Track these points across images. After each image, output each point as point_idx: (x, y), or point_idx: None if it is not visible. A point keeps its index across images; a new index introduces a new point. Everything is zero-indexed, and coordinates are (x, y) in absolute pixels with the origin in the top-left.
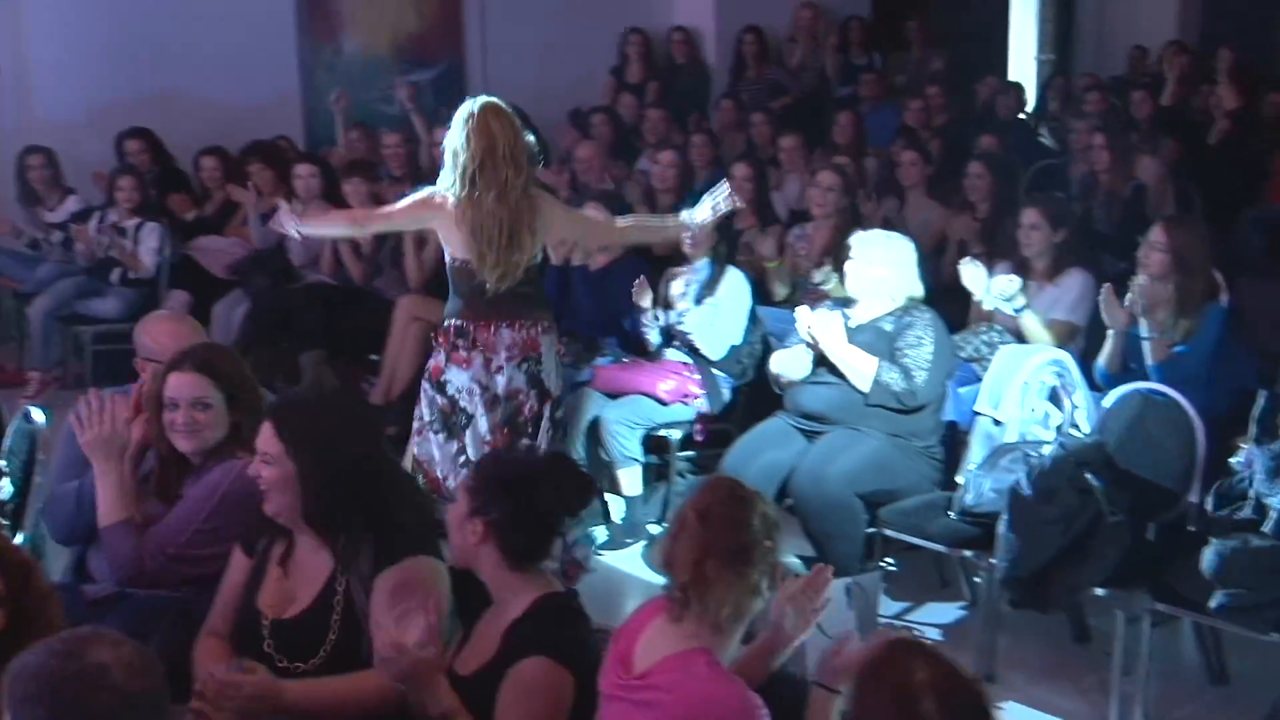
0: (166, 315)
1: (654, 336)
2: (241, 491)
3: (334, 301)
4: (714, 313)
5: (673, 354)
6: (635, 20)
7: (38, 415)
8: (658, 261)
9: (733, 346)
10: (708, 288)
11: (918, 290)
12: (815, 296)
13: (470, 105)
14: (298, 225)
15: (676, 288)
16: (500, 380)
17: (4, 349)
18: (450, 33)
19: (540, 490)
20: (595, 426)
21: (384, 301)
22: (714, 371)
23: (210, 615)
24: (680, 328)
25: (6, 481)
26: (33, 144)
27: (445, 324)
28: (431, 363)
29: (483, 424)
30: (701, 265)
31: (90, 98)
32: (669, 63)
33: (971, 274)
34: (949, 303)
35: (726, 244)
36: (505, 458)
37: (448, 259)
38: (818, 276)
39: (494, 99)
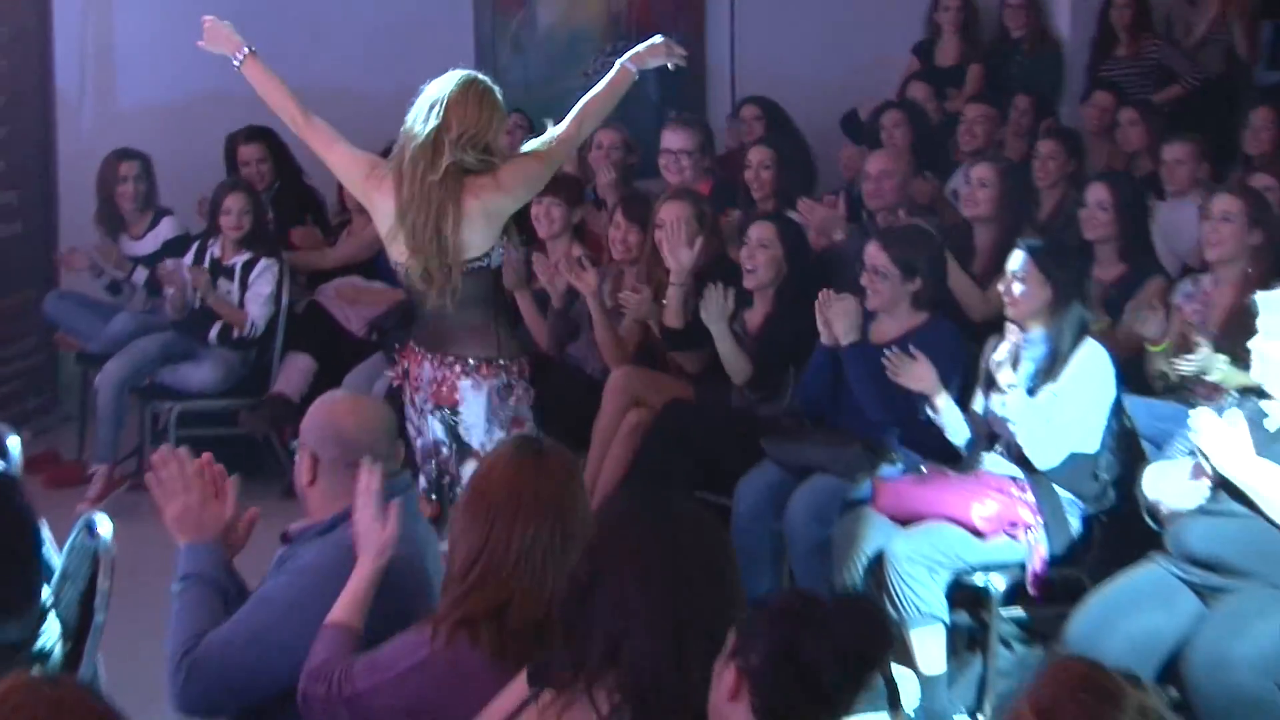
0: (352, 400)
1: (962, 434)
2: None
3: None
4: (1054, 403)
5: (993, 462)
6: None
7: (103, 526)
8: (977, 329)
9: (1082, 455)
10: (1047, 366)
11: None
12: (1211, 389)
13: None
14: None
15: (999, 356)
16: (427, 427)
17: (60, 432)
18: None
19: (810, 634)
20: (877, 567)
21: (581, 377)
22: (1056, 491)
23: None
24: (1002, 420)
25: (52, 620)
26: (125, 147)
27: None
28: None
29: (421, 483)
30: (1037, 333)
31: (192, 86)
32: (1000, 37)
33: None
34: None
35: (1078, 297)
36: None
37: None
38: (1197, 360)
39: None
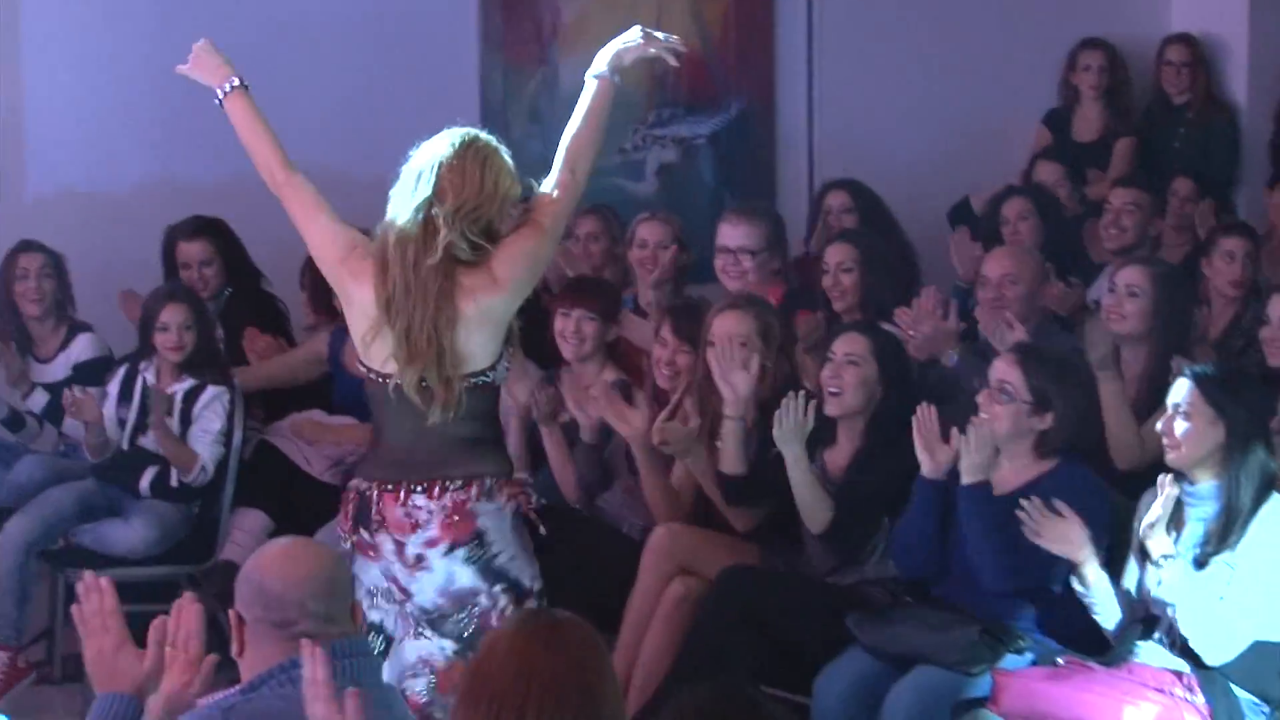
0: (288, 545)
1: (1112, 615)
2: None
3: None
4: (1229, 578)
5: (1150, 652)
6: (1093, 25)
7: None
8: (1121, 478)
9: (1268, 644)
10: (1220, 529)
11: None
12: None
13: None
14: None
15: (1154, 516)
16: (427, 581)
17: None
18: (751, 56)
19: None
20: None
21: (614, 536)
22: (1234, 691)
23: None
24: (1159, 598)
25: None
26: (28, 239)
27: (348, 488)
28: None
29: (408, 652)
30: (1206, 486)
31: (121, 169)
32: (1156, 104)
33: None
34: None
35: (1260, 439)
36: None
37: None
38: None
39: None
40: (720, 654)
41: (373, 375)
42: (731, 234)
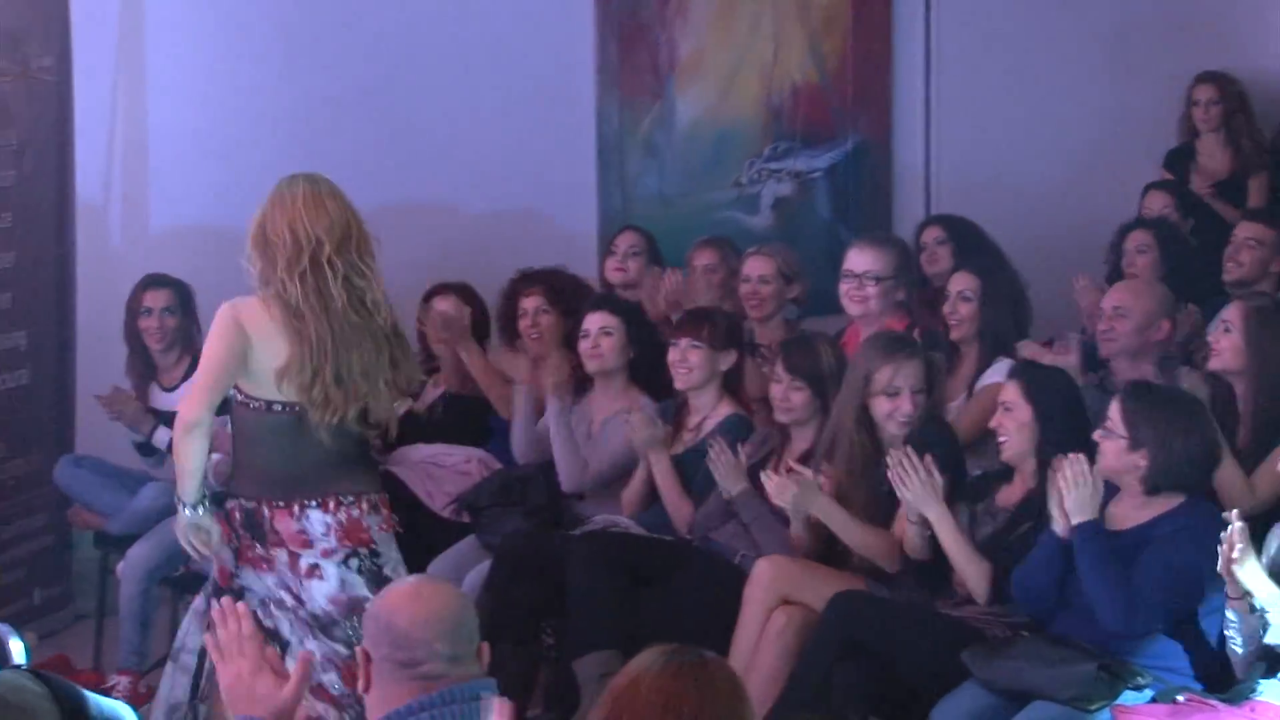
0: (417, 585)
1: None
2: None
3: (634, 564)
4: None
5: (1272, 690)
6: (1218, 57)
7: None
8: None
9: None
10: None
11: None
12: None
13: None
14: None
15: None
16: (318, 589)
17: (73, 633)
18: (868, 89)
19: None
20: None
21: (725, 570)
22: None
23: None
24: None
25: None
26: (153, 274)
27: (227, 506)
28: (217, 564)
29: (312, 651)
30: None
31: (247, 198)
32: None
33: None
34: None
35: None
36: None
37: (243, 398)
38: None
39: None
40: (828, 684)
41: (267, 407)
42: (858, 259)
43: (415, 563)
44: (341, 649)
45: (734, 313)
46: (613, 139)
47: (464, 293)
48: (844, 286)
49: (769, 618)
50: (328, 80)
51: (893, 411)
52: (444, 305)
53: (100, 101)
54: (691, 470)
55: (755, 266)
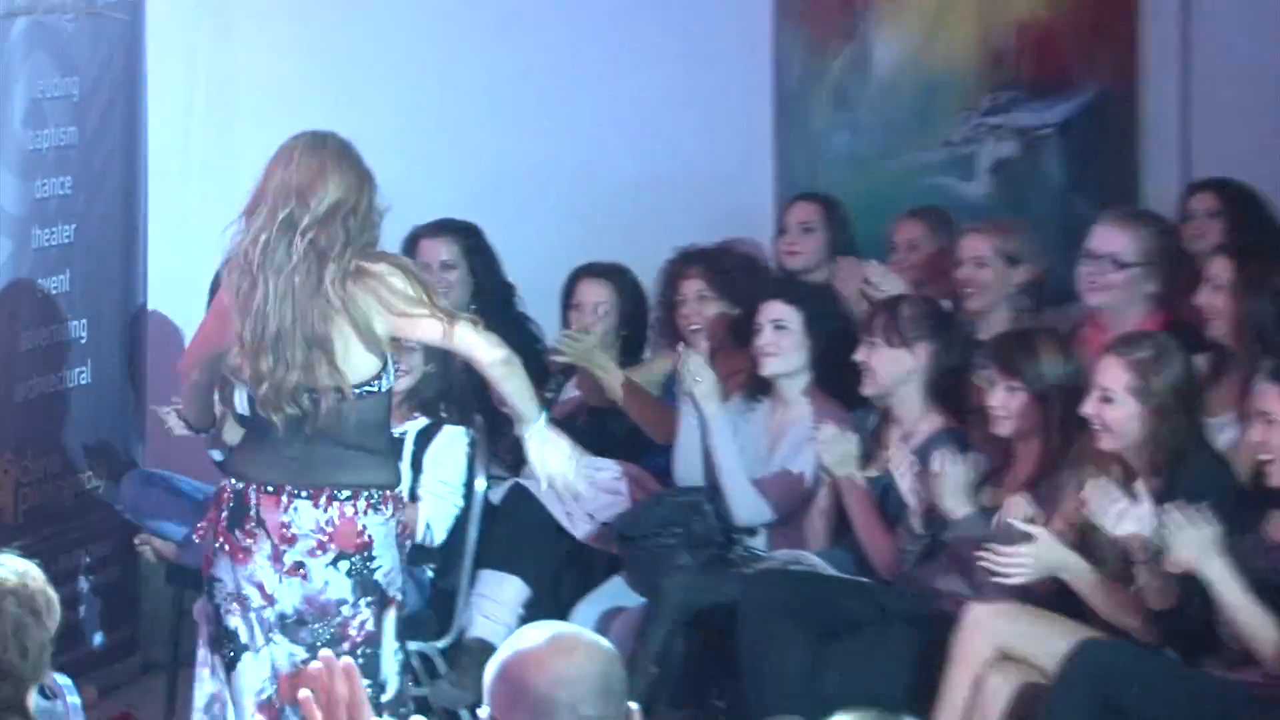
0: (557, 637)
1: None
2: None
3: (821, 612)
4: None
5: None
6: None
7: None
8: None
9: None
10: None
11: None
12: None
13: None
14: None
15: None
16: (296, 587)
17: (140, 686)
18: (1111, 27)
19: None
20: None
21: (931, 613)
22: None
23: None
24: None
25: None
26: None
27: (220, 485)
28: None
29: (260, 665)
30: None
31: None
32: None
33: None
34: None
35: None
36: None
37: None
38: None
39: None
40: None
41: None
42: (1102, 236)
43: (553, 604)
44: (301, 652)
45: (933, 299)
46: (794, 89)
47: (615, 277)
48: (1082, 269)
49: (977, 677)
50: (446, 18)
51: None
52: (590, 293)
53: (179, 47)
54: (893, 498)
55: (971, 246)
